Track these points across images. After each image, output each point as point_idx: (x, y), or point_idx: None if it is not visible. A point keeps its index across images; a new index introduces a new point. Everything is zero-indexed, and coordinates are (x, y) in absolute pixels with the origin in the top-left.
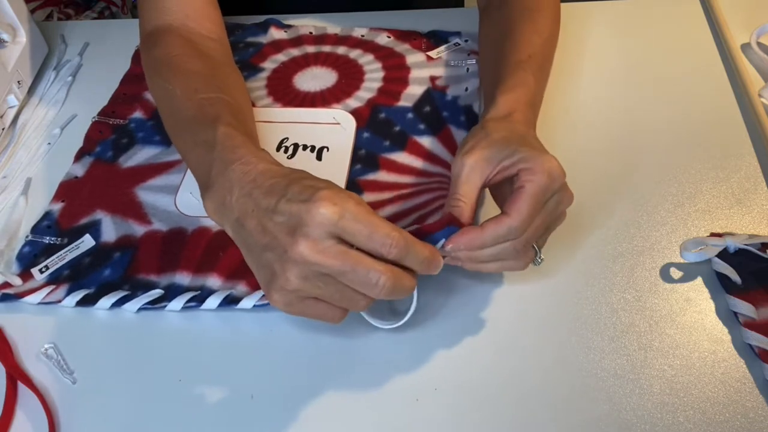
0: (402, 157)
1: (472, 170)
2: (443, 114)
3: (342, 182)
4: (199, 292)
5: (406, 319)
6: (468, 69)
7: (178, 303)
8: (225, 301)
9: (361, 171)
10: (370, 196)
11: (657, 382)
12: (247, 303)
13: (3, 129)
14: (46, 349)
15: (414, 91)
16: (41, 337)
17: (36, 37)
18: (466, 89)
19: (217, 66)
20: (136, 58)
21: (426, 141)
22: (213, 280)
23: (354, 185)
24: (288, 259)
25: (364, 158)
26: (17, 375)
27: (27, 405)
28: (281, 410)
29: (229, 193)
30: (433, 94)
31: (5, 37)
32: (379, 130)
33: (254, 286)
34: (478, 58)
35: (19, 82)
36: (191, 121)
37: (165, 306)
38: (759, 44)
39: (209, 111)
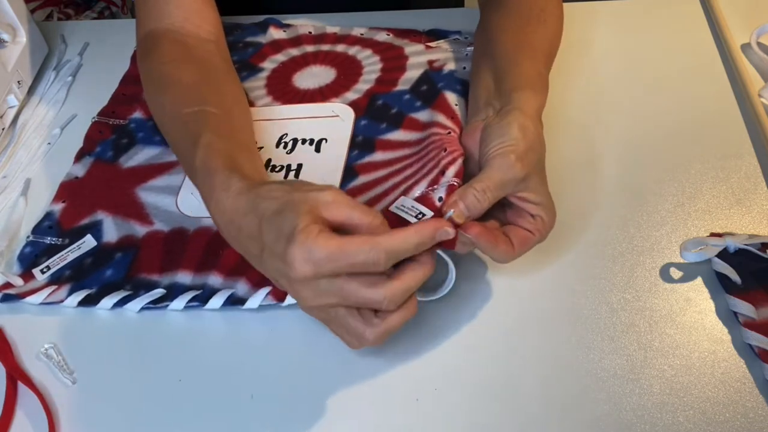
0: (398, 135)
1: (497, 186)
2: (438, 85)
3: (339, 171)
4: (200, 291)
5: (447, 290)
6: (467, 54)
7: (180, 302)
8: (228, 301)
9: (357, 156)
10: (363, 178)
11: (657, 382)
12: (252, 303)
13: (3, 129)
14: (46, 349)
15: (411, 75)
16: (41, 337)
17: (36, 37)
18: (465, 68)
19: (209, 71)
20: (136, 58)
21: (422, 115)
22: (214, 278)
23: (350, 171)
24: (296, 296)
25: (361, 144)
26: (17, 375)
27: (27, 405)
28: (281, 410)
29: (218, 224)
30: (431, 73)
31: (5, 37)
32: (376, 116)
33: (255, 283)
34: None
35: (19, 82)
36: (179, 142)
37: (167, 305)
38: (759, 44)
39: (191, 130)
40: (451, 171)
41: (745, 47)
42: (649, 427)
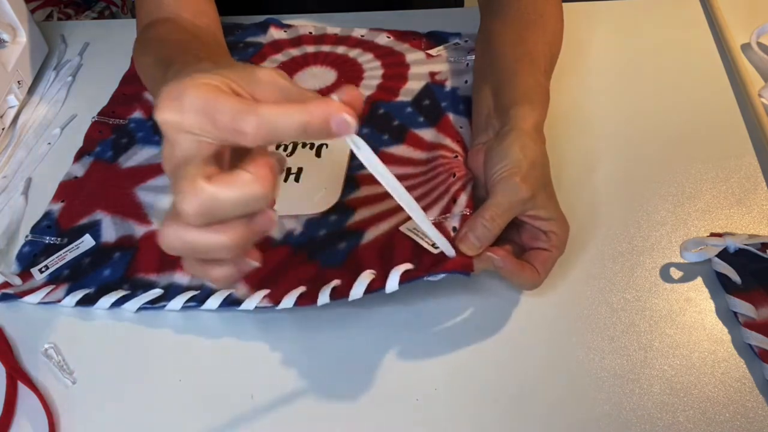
0: (401, 150)
1: (505, 211)
2: (442, 104)
3: (341, 178)
4: (198, 291)
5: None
6: (468, 64)
7: (177, 302)
8: (225, 302)
9: (359, 166)
10: (365, 190)
11: (657, 382)
12: (249, 305)
13: (3, 129)
14: (46, 349)
15: (413, 86)
16: (41, 337)
17: (36, 37)
18: (466, 81)
19: (200, 37)
20: None
21: (426, 133)
22: None
23: (352, 180)
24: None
25: None
26: (17, 375)
27: (27, 405)
28: (281, 410)
29: None
30: (432, 87)
31: (5, 37)
32: (377, 126)
33: (254, 285)
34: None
35: (19, 82)
36: (156, 72)
37: (164, 305)
38: (759, 44)
39: (166, 57)
40: (463, 199)
41: (745, 47)
42: (649, 427)
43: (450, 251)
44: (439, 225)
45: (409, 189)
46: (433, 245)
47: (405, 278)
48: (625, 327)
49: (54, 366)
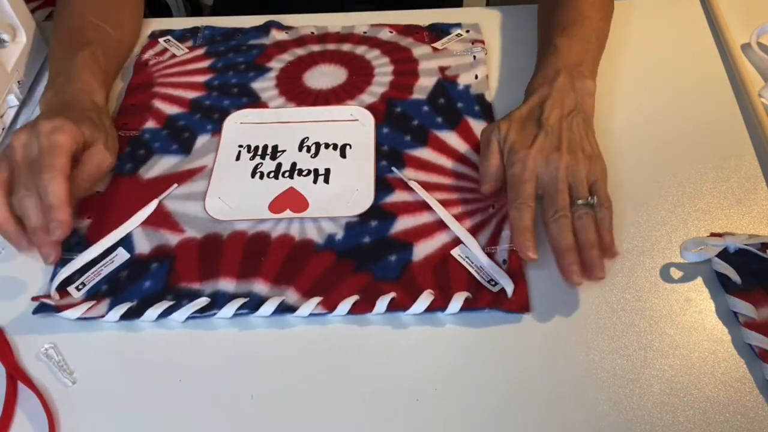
0: (426, 154)
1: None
2: (458, 105)
3: (371, 179)
4: (247, 299)
5: None
6: (475, 56)
7: (228, 310)
8: (279, 309)
9: (387, 168)
10: (399, 195)
11: (657, 382)
12: (303, 311)
13: (3, 129)
14: (46, 349)
15: (425, 83)
16: (41, 337)
17: (36, 37)
18: (476, 77)
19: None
20: (138, 67)
21: (446, 136)
22: (260, 286)
23: (384, 182)
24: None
25: (388, 154)
26: (17, 375)
27: (27, 405)
28: (281, 410)
29: None
30: (445, 84)
31: (5, 37)
32: (397, 125)
33: (303, 292)
34: (483, 46)
35: (19, 82)
36: (70, 33)
37: (214, 314)
38: (759, 44)
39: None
40: (506, 234)
41: (745, 47)
42: (649, 427)
43: (510, 289)
44: (490, 256)
45: (448, 204)
46: (490, 281)
47: (465, 306)
48: (625, 327)
49: (54, 366)
